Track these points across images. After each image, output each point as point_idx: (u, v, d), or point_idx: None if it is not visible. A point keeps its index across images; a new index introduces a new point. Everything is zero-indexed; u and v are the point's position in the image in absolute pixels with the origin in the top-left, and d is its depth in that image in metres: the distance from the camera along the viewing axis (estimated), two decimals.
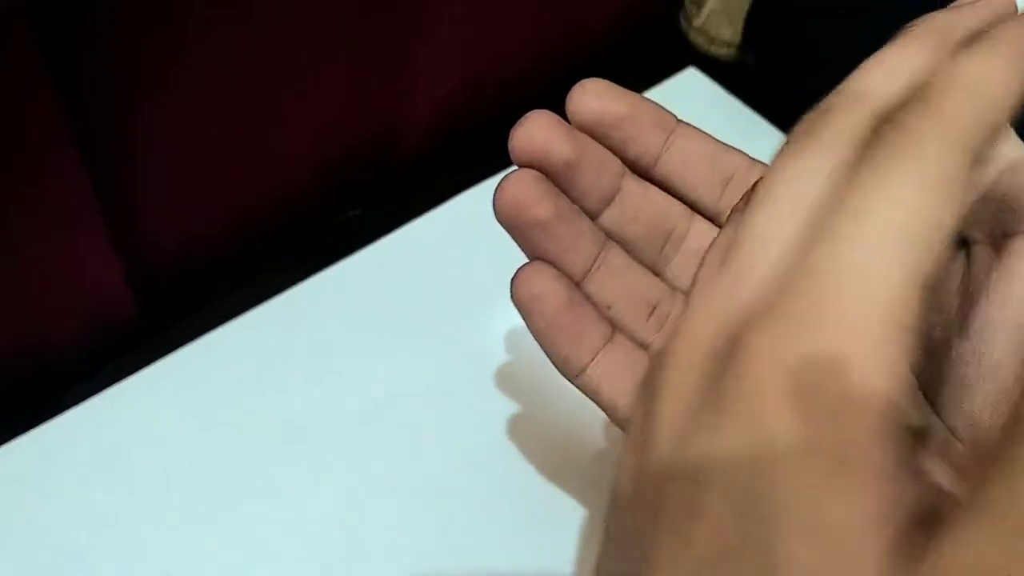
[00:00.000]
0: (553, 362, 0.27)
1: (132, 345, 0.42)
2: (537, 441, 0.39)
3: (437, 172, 0.50)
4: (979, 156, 0.17)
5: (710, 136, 0.28)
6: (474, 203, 0.47)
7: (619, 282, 0.27)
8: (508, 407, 0.40)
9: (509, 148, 0.26)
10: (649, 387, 0.19)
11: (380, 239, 0.46)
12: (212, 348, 0.42)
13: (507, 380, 0.41)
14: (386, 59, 0.43)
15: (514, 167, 0.27)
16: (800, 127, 0.19)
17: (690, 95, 0.52)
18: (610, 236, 0.27)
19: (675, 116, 0.27)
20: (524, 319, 0.26)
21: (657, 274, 0.28)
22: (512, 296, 0.26)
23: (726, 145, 0.28)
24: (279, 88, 0.40)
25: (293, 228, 0.46)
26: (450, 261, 0.45)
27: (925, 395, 0.24)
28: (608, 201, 0.27)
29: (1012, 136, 0.22)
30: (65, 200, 0.36)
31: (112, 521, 0.37)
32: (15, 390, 0.40)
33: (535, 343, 0.36)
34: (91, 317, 0.41)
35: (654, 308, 0.27)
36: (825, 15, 0.47)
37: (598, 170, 0.26)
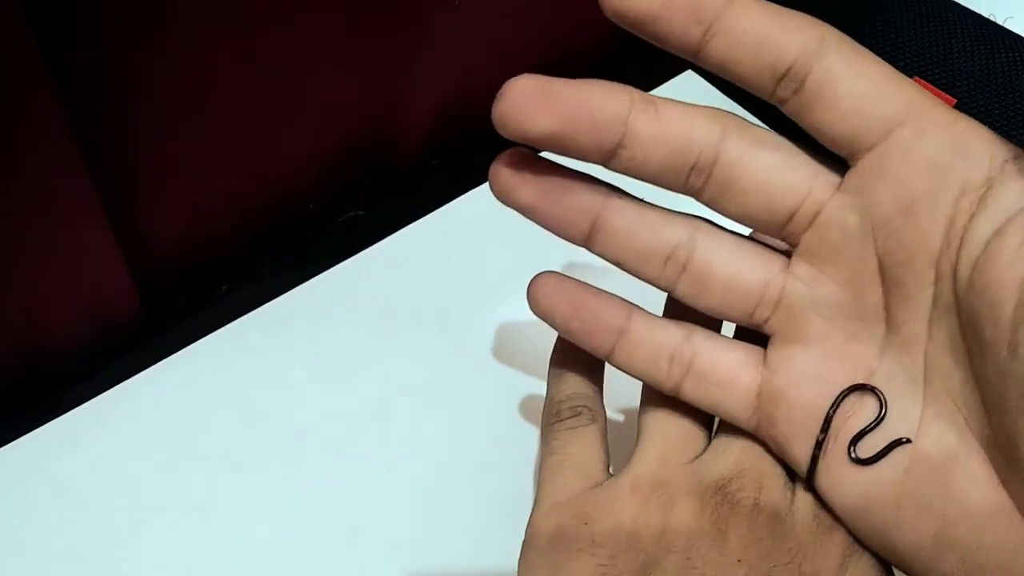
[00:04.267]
0: (589, 348, 0.30)
1: (133, 345, 0.42)
2: (537, 440, 0.39)
3: (437, 173, 0.50)
4: None
5: (766, 17, 0.25)
6: (474, 205, 0.47)
7: (623, 238, 0.28)
8: (508, 407, 0.40)
9: (494, 122, 0.27)
10: None
11: (381, 241, 0.46)
12: (213, 349, 0.42)
13: (507, 380, 0.41)
14: (387, 60, 0.43)
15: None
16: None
17: (688, 98, 0.52)
18: (630, 175, 0.27)
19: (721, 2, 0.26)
20: (549, 324, 0.30)
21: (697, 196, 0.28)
22: (532, 309, 0.30)
23: (787, 22, 0.26)
24: (280, 88, 0.40)
25: (294, 228, 0.46)
26: (450, 263, 0.46)
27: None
28: (612, 153, 0.26)
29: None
30: (67, 200, 0.36)
31: (113, 521, 0.37)
32: (16, 390, 0.40)
33: (534, 343, 0.36)
34: (93, 317, 0.41)
35: (669, 256, 0.28)
36: (822, 18, 0.47)
37: (591, 129, 0.26)
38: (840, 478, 0.27)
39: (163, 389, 0.41)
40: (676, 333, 0.29)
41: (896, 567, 0.28)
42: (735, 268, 0.28)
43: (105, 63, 0.34)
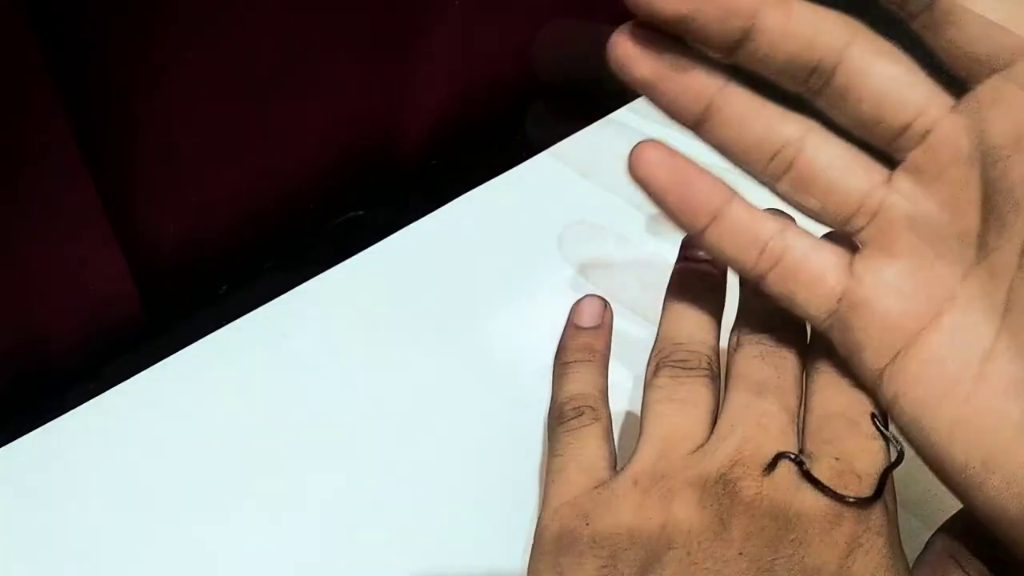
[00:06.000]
0: (678, 226, 0.29)
1: (134, 345, 0.42)
2: (538, 440, 0.39)
3: (437, 173, 0.50)
4: None
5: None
6: (474, 205, 0.47)
7: (734, 128, 0.28)
8: (508, 407, 0.40)
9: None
10: None
11: (381, 241, 0.46)
12: (213, 349, 0.42)
13: (507, 380, 0.41)
14: (387, 60, 0.43)
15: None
16: None
17: None
18: (751, 68, 0.28)
19: None
20: (643, 191, 0.29)
21: (809, 102, 0.28)
22: (629, 172, 0.29)
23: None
24: (281, 89, 0.40)
25: (294, 228, 0.46)
26: (450, 263, 0.46)
27: None
28: (737, 44, 0.27)
29: None
30: (67, 200, 0.36)
31: (112, 521, 0.37)
32: (16, 390, 0.40)
33: (535, 343, 0.36)
34: (93, 317, 0.41)
35: (777, 152, 0.28)
36: None
37: (721, 16, 0.26)
38: (904, 390, 0.28)
39: (163, 389, 0.41)
40: (772, 225, 0.29)
41: (940, 481, 0.28)
42: (840, 173, 0.28)
43: (106, 63, 0.34)
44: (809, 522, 0.27)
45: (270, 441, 0.39)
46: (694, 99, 0.28)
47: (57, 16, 0.32)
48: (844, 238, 0.30)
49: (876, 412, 0.29)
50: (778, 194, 0.29)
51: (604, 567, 0.27)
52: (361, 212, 0.47)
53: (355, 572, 0.36)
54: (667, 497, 0.28)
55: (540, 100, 0.51)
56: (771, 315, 0.31)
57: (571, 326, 0.34)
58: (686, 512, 0.28)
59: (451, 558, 0.36)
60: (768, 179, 0.29)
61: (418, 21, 0.43)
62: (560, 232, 0.46)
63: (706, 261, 0.33)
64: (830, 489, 0.27)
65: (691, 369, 0.31)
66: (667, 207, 0.29)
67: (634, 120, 0.51)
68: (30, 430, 0.39)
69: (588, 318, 0.34)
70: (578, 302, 0.34)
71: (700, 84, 0.28)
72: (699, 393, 0.30)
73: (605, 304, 0.34)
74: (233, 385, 0.41)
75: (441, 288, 0.45)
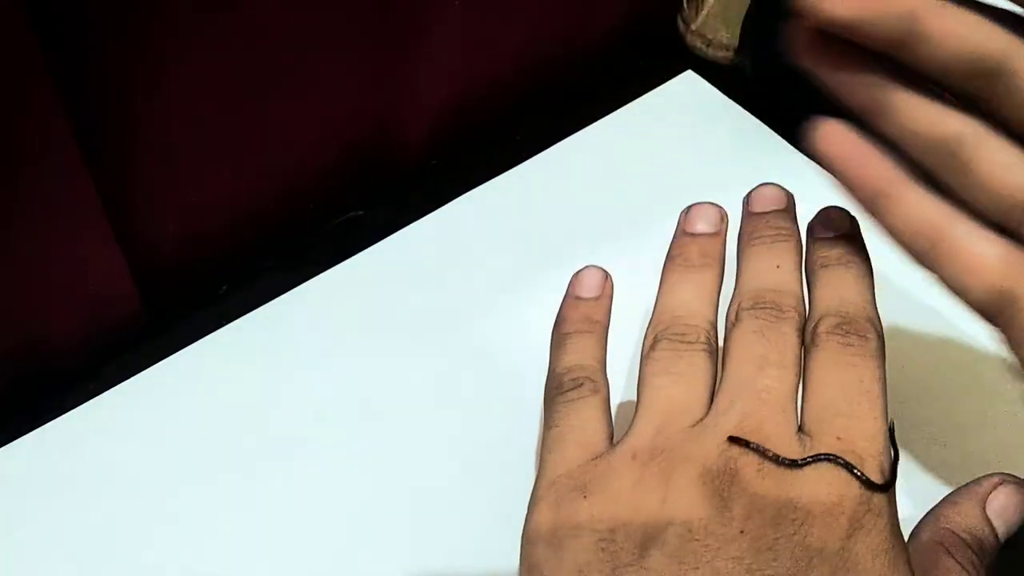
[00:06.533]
0: (855, 199, 0.30)
1: (134, 345, 0.42)
2: (537, 440, 0.39)
3: (437, 173, 0.50)
4: None
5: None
6: (474, 205, 0.48)
7: (904, 121, 0.29)
8: (508, 407, 0.40)
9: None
10: None
11: (381, 240, 0.46)
12: (213, 349, 0.42)
13: (507, 380, 0.41)
14: (387, 60, 0.43)
15: None
16: None
17: (687, 98, 0.52)
18: (922, 72, 0.28)
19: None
20: (824, 165, 0.30)
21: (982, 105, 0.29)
22: (813, 146, 0.30)
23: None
24: (281, 89, 0.40)
25: (294, 228, 0.46)
26: (450, 263, 0.46)
27: None
28: (896, 50, 0.28)
29: None
30: (67, 200, 0.36)
31: (113, 521, 0.37)
32: (16, 390, 0.40)
33: (534, 343, 0.36)
34: (93, 317, 0.41)
35: (943, 145, 0.28)
36: None
37: (884, 23, 0.27)
38: None
39: (163, 389, 0.41)
40: (941, 211, 0.29)
41: None
42: (1005, 170, 0.28)
43: (106, 63, 0.34)
44: (811, 501, 0.27)
45: (270, 441, 0.39)
46: (866, 91, 0.28)
47: (57, 16, 0.32)
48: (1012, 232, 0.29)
49: (878, 391, 0.29)
50: (939, 186, 0.29)
51: (603, 540, 0.27)
52: (361, 212, 0.48)
53: (354, 570, 0.36)
54: (667, 472, 0.28)
55: (539, 100, 0.51)
56: (769, 291, 0.31)
57: (571, 296, 0.33)
58: (686, 488, 0.27)
59: (449, 557, 0.36)
60: (934, 168, 0.29)
61: (418, 21, 0.43)
62: (560, 232, 0.46)
63: (704, 235, 0.33)
64: (861, 473, 0.27)
65: (690, 343, 0.30)
66: (844, 181, 0.30)
67: (635, 120, 0.51)
68: (30, 430, 0.39)
69: (588, 288, 0.33)
70: (578, 273, 0.34)
71: (871, 79, 0.28)
72: (697, 366, 0.30)
73: (606, 275, 0.34)
74: (233, 385, 0.41)
75: (441, 288, 0.45)
